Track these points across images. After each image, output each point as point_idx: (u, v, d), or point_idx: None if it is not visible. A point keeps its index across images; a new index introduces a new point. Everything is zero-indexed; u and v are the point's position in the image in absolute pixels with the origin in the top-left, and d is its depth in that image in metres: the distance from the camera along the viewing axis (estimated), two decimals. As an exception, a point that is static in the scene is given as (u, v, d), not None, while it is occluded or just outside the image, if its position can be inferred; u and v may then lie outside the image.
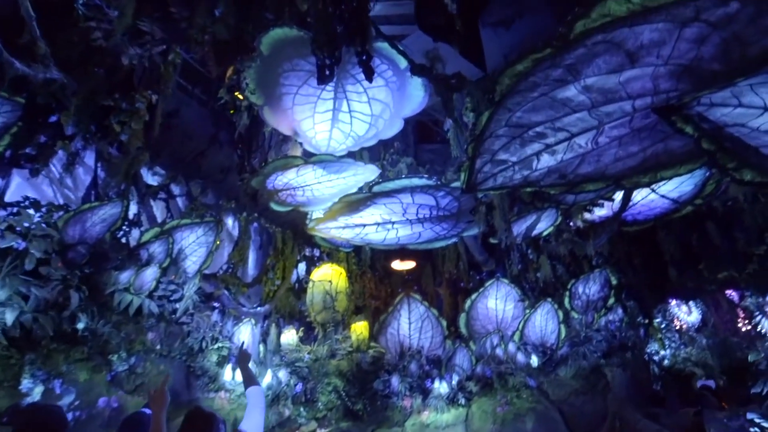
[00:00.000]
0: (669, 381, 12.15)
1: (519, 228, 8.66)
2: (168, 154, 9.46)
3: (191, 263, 9.56)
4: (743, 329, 13.43)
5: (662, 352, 12.80)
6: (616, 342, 11.06)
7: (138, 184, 9.46)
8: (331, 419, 9.01)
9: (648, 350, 12.46)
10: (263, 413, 2.63)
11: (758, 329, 13.27)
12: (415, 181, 7.41)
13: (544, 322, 10.97)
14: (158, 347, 8.53)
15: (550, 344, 10.74)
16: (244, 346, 9.27)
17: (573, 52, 4.12)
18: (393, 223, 8.40)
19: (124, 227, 8.46)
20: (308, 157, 7.73)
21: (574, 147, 5.32)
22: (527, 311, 11.06)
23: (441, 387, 10.06)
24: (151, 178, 10.06)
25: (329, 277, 10.60)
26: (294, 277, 11.99)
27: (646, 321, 12.23)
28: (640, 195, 8.36)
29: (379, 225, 8.51)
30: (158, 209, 10.27)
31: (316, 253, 12.08)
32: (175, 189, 10.74)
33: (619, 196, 9.03)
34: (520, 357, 10.36)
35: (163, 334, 8.74)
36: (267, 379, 9.28)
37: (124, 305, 7.89)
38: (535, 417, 9.16)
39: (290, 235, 12.13)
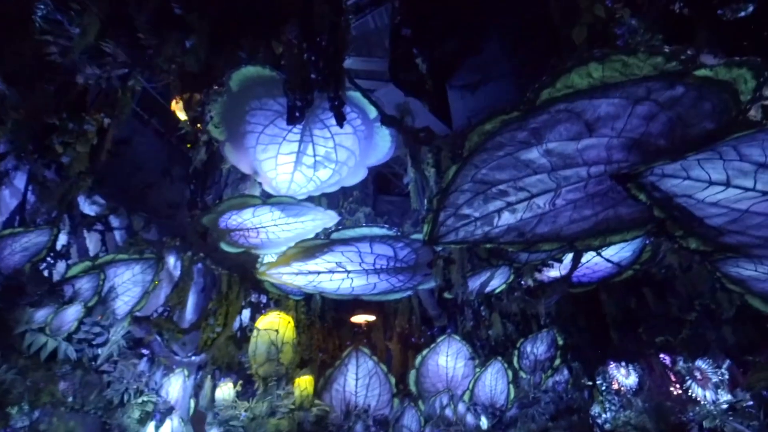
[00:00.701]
0: (609, 442, 12.20)
1: (473, 284, 8.71)
2: (112, 184, 8.84)
3: (122, 303, 8.71)
4: (675, 393, 13.99)
5: (604, 415, 12.96)
6: (562, 404, 11.09)
7: (73, 212, 8.70)
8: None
9: (591, 413, 12.58)
10: None
11: (689, 393, 13.86)
12: (375, 231, 7.33)
13: (494, 381, 10.85)
14: (70, 399, 7.47)
15: (499, 405, 10.57)
16: (173, 401, 8.32)
17: (538, 117, 4.36)
18: (348, 272, 8.18)
19: (48, 258, 7.63)
20: (266, 198, 7.50)
21: (533, 207, 5.51)
22: (477, 370, 10.93)
23: (386, 449, 9.47)
24: (88, 208, 9.30)
25: (276, 326, 10.00)
26: (236, 324, 11.23)
27: (590, 383, 12.43)
28: (585, 258, 8.77)
29: (333, 273, 8.24)
30: (92, 242, 9.43)
31: (263, 299, 11.46)
32: (115, 221, 9.97)
33: (568, 258, 9.44)
34: (470, 418, 10.08)
35: (78, 384, 7.71)
36: (195, 439, 8.34)
37: (35, 348, 6.92)
38: (483, 484, 8.78)
39: (237, 279, 11.48)
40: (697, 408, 13.50)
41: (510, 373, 10.97)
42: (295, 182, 7.58)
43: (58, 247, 8.03)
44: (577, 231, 5.88)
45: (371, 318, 11.82)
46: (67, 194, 7.74)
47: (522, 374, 11.36)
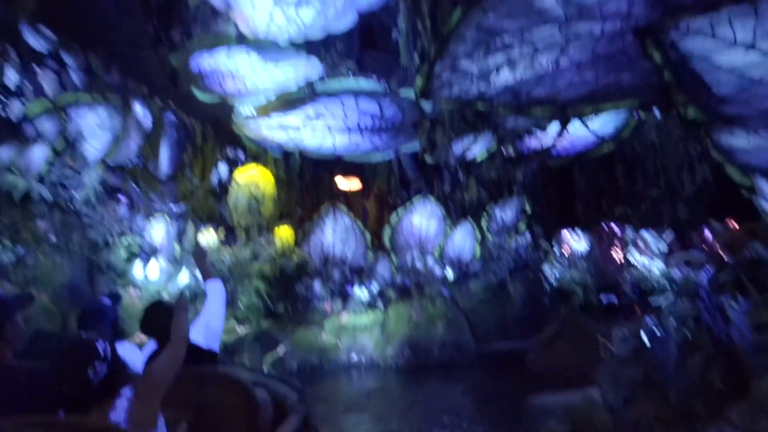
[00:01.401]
0: (555, 296, 13.94)
1: (456, 148, 8.70)
2: (62, 16, 7.65)
3: (92, 149, 8.30)
4: (618, 259, 15.68)
5: (554, 273, 14.54)
6: (521, 262, 12.23)
7: (18, 44, 7.65)
8: (252, 319, 9.00)
9: (543, 270, 14.04)
10: (224, 306, 2.41)
11: (629, 259, 15.53)
12: (363, 84, 6.90)
13: (462, 240, 11.66)
14: (53, 239, 7.55)
15: (465, 261, 11.55)
16: (159, 244, 8.55)
17: (565, -47, 3.81)
18: (331, 129, 7.92)
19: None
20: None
21: (535, 65, 5.21)
22: (449, 230, 11.62)
23: (361, 293, 10.46)
24: (35, 41, 8.17)
25: (256, 180, 9.96)
26: (215, 178, 11.11)
27: (547, 245, 13.63)
28: (570, 129, 8.76)
29: (316, 130, 7.98)
30: (48, 83, 8.52)
31: (241, 155, 11.18)
32: (69, 59, 8.92)
33: (550, 131, 9.40)
34: (438, 270, 11.04)
35: (57, 225, 7.72)
36: (183, 278, 8.84)
37: (6, 188, 6.70)
38: (445, 322, 10.01)
39: (212, 132, 11.01)
40: (633, 271, 15.31)
41: (478, 234, 11.76)
42: (275, 23, 6.77)
43: (11, 86, 7.26)
44: (574, 96, 5.71)
45: (356, 182, 11.89)
46: (8, 20, 6.68)
47: (489, 236, 12.23)
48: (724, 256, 3.98)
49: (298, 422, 2.04)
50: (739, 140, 3.98)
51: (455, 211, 11.61)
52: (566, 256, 16.27)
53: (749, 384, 2.49)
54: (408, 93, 6.91)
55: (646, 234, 16.67)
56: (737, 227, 4.38)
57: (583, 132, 8.77)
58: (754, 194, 4.31)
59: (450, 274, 11.18)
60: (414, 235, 12.06)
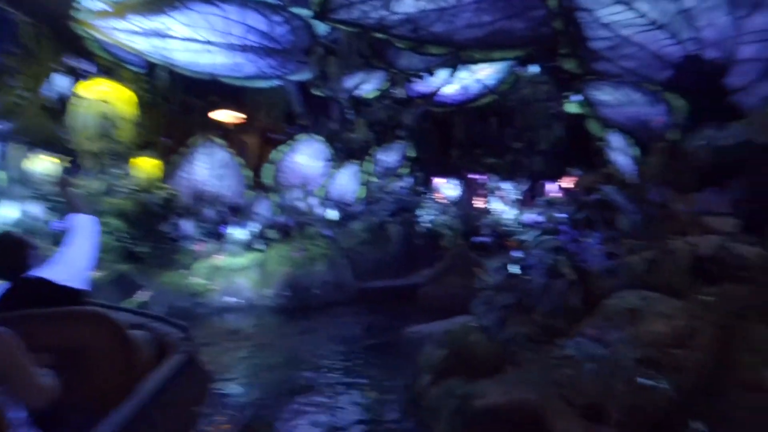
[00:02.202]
0: (427, 237, 15.01)
1: (348, 83, 8.34)
2: None
3: None
4: (480, 205, 17.49)
5: (427, 217, 15.56)
6: (400, 204, 12.76)
7: None
8: (107, 262, 7.83)
9: (418, 214, 14.91)
10: (94, 242, 1.97)
11: (490, 206, 17.41)
12: (250, -7, 6.02)
13: (347, 182, 11.60)
14: None
15: (348, 201, 11.58)
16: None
17: None
18: (210, 43, 6.85)
19: None
20: None
21: (438, -3, 5.07)
22: (333, 170, 11.42)
23: (238, 233, 9.85)
24: None
25: (109, 96, 8.31)
26: (52, 91, 8.98)
27: (424, 191, 14.40)
28: (457, 77, 9.03)
29: (190, 41, 6.81)
30: None
31: (89, 66, 9.15)
32: None
33: (439, 77, 9.56)
34: (320, 210, 10.89)
35: None
36: (10, 213, 7.21)
37: None
38: (326, 261, 10.04)
39: (48, 32, 8.74)
40: (492, 217, 17.29)
41: (362, 176, 11.81)
42: None
43: None
44: (469, 38, 5.75)
45: (235, 112, 10.73)
46: None
47: (372, 178, 12.39)
48: (581, 197, 4.54)
49: (183, 360, 1.83)
50: (604, 95, 4.45)
51: (342, 152, 11.38)
52: (440, 201, 17.47)
53: (600, 302, 2.90)
54: (303, 12, 6.24)
55: (506, 184, 18.58)
56: (591, 173, 5.00)
57: (469, 80, 9.10)
58: (606, 146, 4.91)
59: (332, 214, 11.13)
60: (297, 175, 11.59)
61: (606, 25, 4.14)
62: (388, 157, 12.80)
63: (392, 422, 3.63)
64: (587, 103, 4.63)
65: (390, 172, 13.12)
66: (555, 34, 4.40)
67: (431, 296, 6.61)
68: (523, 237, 5.00)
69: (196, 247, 9.45)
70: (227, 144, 10.66)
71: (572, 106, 6.22)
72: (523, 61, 7.13)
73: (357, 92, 9.00)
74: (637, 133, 4.58)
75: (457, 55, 6.06)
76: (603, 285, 3.02)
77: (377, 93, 9.11)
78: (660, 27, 4.01)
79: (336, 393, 4.23)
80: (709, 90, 4.09)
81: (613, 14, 3.98)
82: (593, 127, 4.99)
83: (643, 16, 3.93)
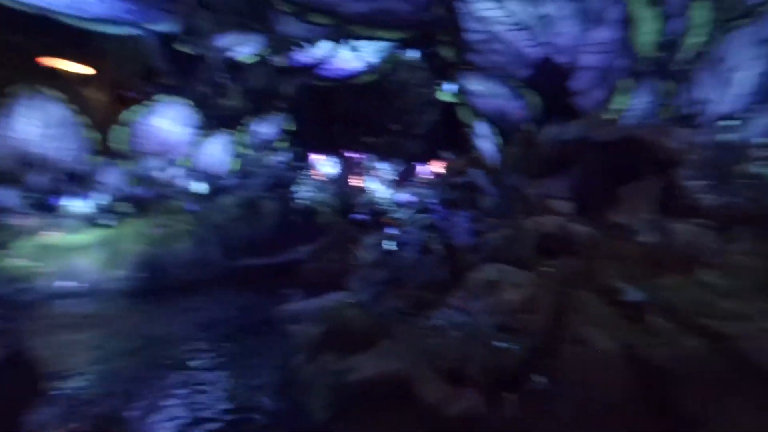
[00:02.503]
0: (304, 214, 14.80)
1: (221, 42, 7.56)
2: None
3: None
4: (358, 184, 17.87)
5: (304, 193, 15.33)
6: (276, 180, 12.26)
7: None
8: None
9: (294, 190, 14.59)
10: None
11: (366, 185, 17.89)
12: None
13: (217, 152, 10.70)
14: None
15: (218, 173, 10.71)
16: None
17: None
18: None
19: None
20: None
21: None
22: (201, 138, 10.42)
23: (77, 205, 8.45)
24: None
25: None
26: None
27: (302, 166, 14.07)
28: (340, 52, 8.83)
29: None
30: None
31: None
32: None
33: (321, 50, 9.23)
34: (184, 182, 9.89)
35: None
36: None
37: None
38: (191, 238, 9.19)
39: None
40: (369, 195, 17.84)
41: (236, 147, 11.01)
42: None
43: None
44: (354, 13, 5.65)
45: (77, 59, 8.90)
46: None
47: (247, 150, 11.64)
48: (451, 180, 4.86)
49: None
50: (475, 85, 4.79)
51: (212, 119, 10.40)
52: (318, 178, 17.32)
53: (465, 275, 3.15)
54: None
55: (382, 164, 19.16)
56: (461, 158, 5.39)
57: (352, 56, 8.99)
58: (473, 133, 5.33)
59: (200, 187, 10.20)
60: (157, 141, 10.30)
61: (480, 20, 4.42)
62: (265, 129, 12.15)
63: (264, 405, 3.49)
64: (460, 91, 4.94)
65: (266, 145, 12.49)
66: (436, 21, 4.56)
67: (311, 273, 6.51)
68: (398, 215, 5.21)
69: (19, 221, 7.85)
70: (66, 98, 8.94)
71: (444, 93, 6.60)
72: (405, 44, 7.29)
73: (232, 54, 8.23)
74: (500, 123, 5.05)
75: (341, 29, 5.92)
76: (468, 260, 3.29)
77: (255, 58, 8.46)
78: (524, 29, 4.43)
79: (203, 381, 3.92)
80: (557, 90, 4.69)
81: (487, 10, 4.27)
82: (464, 114, 5.36)
83: (511, 16, 4.29)
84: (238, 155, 11.25)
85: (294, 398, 3.02)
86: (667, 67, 4.60)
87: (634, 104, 4.35)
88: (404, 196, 16.42)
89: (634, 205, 3.49)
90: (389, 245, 4.23)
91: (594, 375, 2.33)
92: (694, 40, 4.79)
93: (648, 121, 4.20)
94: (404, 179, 15.58)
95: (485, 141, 5.03)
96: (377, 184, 19.43)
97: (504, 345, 2.47)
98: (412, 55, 8.96)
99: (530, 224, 3.21)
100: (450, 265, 3.34)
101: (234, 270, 8.89)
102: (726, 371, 2.33)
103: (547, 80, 4.67)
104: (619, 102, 4.34)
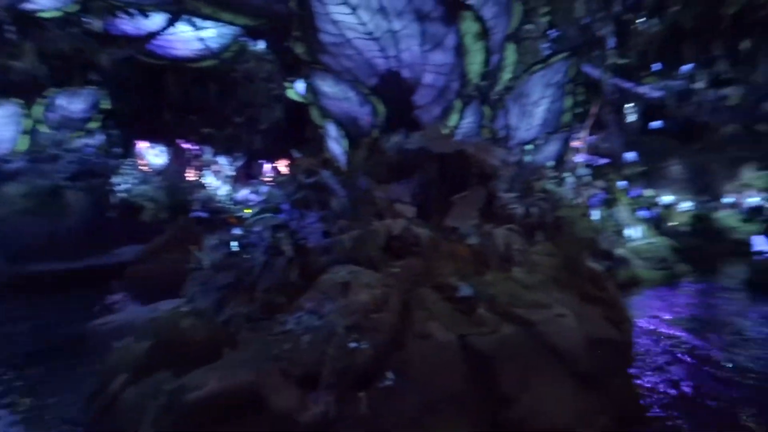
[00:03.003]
0: (123, 210, 12.75)
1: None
2: None
3: None
4: (192, 177, 16.25)
5: (124, 185, 13.22)
6: (87, 166, 10.26)
7: None
8: None
9: (113, 181, 12.47)
10: None
11: (202, 179, 16.45)
12: None
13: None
14: None
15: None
16: None
17: None
18: None
19: None
20: None
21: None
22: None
23: None
24: None
25: None
26: None
27: (122, 154, 12.09)
28: (178, 29, 7.84)
29: None
30: None
31: None
32: None
33: (154, 21, 8.05)
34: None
35: None
36: None
37: None
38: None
39: None
40: (203, 191, 16.37)
41: (28, 121, 8.84)
42: None
43: None
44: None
45: None
46: None
47: (43, 127, 9.45)
48: (300, 179, 4.80)
49: None
50: (327, 87, 4.82)
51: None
52: (142, 168, 15.18)
53: (317, 277, 3.14)
54: None
55: (221, 158, 17.91)
56: (310, 158, 5.35)
57: (193, 36, 8.09)
58: (324, 134, 5.36)
59: (-29, 169, 7.96)
60: None
61: (334, 23, 4.47)
62: (72, 103, 10.10)
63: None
64: (311, 90, 4.91)
65: (72, 124, 10.41)
66: (289, 15, 4.43)
67: (137, 278, 5.59)
68: (242, 214, 4.89)
69: None
70: None
71: (292, 91, 6.48)
72: (253, 34, 6.87)
73: (25, 5, 6.57)
74: (349, 126, 5.19)
75: (182, 2, 5.29)
76: (319, 261, 3.28)
77: (58, 14, 6.92)
78: (374, 39, 4.64)
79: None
80: (401, 102, 5.05)
81: (341, 14, 4.34)
82: (314, 114, 5.34)
83: (363, 24, 4.45)
84: (28, 132, 9.14)
85: (115, 428, 2.54)
86: (488, 95, 5.40)
87: (463, 123, 4.97)
88: (246, 194, 15.60)
89: (462, 211, 3.98)
90: (233, 246, 3.95)
91: (436, 366, 2.58)
92: (506, 75, 5.74)
93: (473, 138, 4.85)
94: (247, 176, 14.72)
95: (334, 142, 5.10)
96: (215, 179, 17.96)
97: (356, 345, 2.53)
98: (261, 46, 8.54)
99: (379, 226, 3.38)
100: (300, 267, 3.28)
101: (23, 277, 7.11)
102: (533, 352, 2.85)
103: (393, 91, 4.99)
104: (452, 119, 4.91)
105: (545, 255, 4.00)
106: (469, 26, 4.30)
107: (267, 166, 17.41)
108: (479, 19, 4.23)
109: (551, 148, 6.01)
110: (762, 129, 10.93)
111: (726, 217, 11.39)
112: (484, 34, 4.32)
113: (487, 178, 4.33)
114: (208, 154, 16.79)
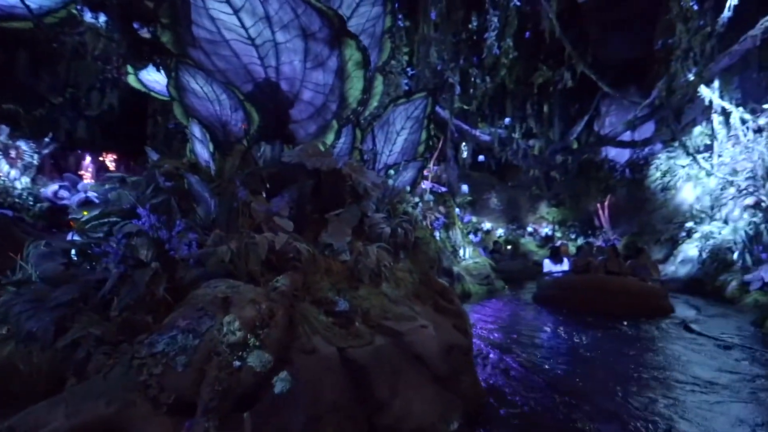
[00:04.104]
0: None
1: None
2: None
3: None
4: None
5: None
6: None
7: None
8: None
9: None
10: None
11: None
12: None
13: None
14: None
15: None
16: None
17: None
18: None
19: None
20: None
21: None
22: None
23: None
24: None
25: None
26: None
27: None
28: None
29: None
30: None
31: None
32: None
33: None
34: None
35: None
36: None
37: None
38: None
39: None
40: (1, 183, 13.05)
41: None
42: None
43: None
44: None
45: None
46: None
47: None
48: (158, 181, 4.30)
49: None
50: (195, 84, 4.45)
51: None
52: None
53: (188, 292, 2.85)
54: None
55: (23, 144, 14.75)
56: (173, 159, 4.82)
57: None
58: (189, 134, 4.92)
59: None
60: None
61: (213, 19, 4.20)
62: None
63: None
64: (175, 85, 4.46)
65: None
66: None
67: None
68: (78, 216, 4.11)
69: None
70: None
71: (133, 78, 5.79)
72: (92, 4, 5.84)
73: None
74: (217, 130, 4.87)
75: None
76: (191, 274, 3.00)
77: None
78: (254, 46, 4.50)
79: None
80: (277, 114, 4.97)
81: (222, 12, 4.11)
82: (177, 111, 4.86)
83: (244, 28, 4.29)
84: None
85: None
86: (360, 119, 5.72)
87: (338, 143, 5.15)
88: (55, 190, 12.97)
89: (338, 228, 4.12)
90: (73, 255, 3.32)
91: (321, 380, 2.61)
92: (374, 103, 6.18)
93: (347, 158, 5.06)
94: (56, 168, 12.10)
95: (200, 145, 4.73)
96: (10, 167, 14.50)
97: (241, 363, 2.39)
98: (101, 19, 7.30)
99: (261, 239, 3.26)
100: (168, 281, 2.94)
101: None
102: (402, 360, 3.10)
103: (269, 102, 4.89)
104: (328, 138, 5.04)
105: (406, 271, 4.41)
106: (352, 53, 4.54)
107: (87, 160, 14.82)
108: (362, 49, 4.50)
109: (409, 174, 6.64)
110: (554, 175, 14.19)
111: (527, 243, 14.10)
112: (365, 63, 4.60)
113: (360, 197, 4.57)
114: (3, 134, 13.53)
